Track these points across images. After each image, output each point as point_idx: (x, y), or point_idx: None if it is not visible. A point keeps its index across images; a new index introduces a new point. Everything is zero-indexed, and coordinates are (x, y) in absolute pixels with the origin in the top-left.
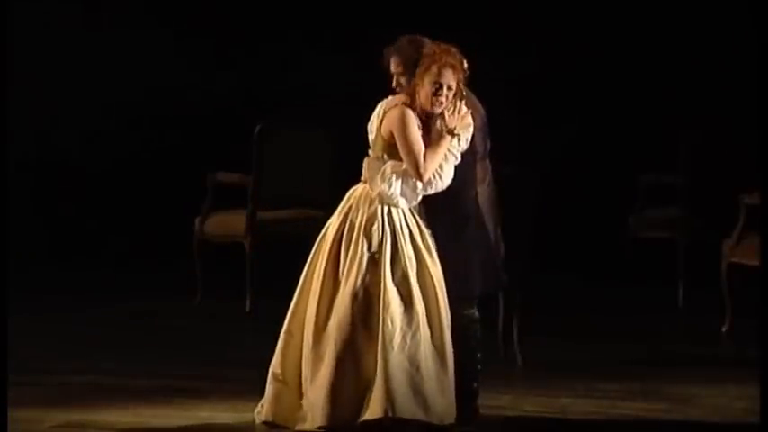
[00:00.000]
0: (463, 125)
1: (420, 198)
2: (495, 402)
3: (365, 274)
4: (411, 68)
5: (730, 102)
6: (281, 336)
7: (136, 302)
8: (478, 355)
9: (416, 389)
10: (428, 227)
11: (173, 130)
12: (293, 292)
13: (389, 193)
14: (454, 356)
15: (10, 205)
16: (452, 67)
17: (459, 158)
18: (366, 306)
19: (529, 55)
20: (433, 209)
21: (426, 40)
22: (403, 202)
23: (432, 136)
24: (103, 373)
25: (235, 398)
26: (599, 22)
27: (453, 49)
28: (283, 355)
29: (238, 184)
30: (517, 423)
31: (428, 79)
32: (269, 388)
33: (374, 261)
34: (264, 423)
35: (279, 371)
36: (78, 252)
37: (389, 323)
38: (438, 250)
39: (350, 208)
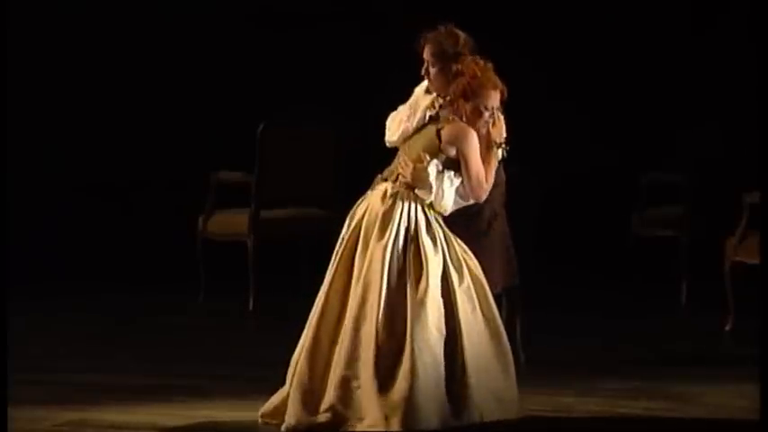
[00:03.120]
0: (503, 135)
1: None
2: None
3: (436, 279)
4: (442, 61)
5: (732, 100)
6: (308, 342)
7: (138, 301)
8: None
9: (495, 389)
10: (461, 222)
11: (175, 129)
12: (295, 291)
13: (445, 201)
14: None
15: (10, 205)
16: (497, 87)
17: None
18: (438, 310)
19: (530, 54)
20: (466, 207)
21: (461, 36)
22: (450, 210)
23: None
24: (104, 371)
25: (236, 396)
26: (600, 22)
27: (490, 65)
28: (311, 361)
29: (241, 182)
30: (519, 421)
31: (480, 102)
32: (294, 394)
33: (441, 265)
34: (288, 429)
35: (306, 378)
36: (78, 251)
37: (462, 325)
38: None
39: (392, 208)
